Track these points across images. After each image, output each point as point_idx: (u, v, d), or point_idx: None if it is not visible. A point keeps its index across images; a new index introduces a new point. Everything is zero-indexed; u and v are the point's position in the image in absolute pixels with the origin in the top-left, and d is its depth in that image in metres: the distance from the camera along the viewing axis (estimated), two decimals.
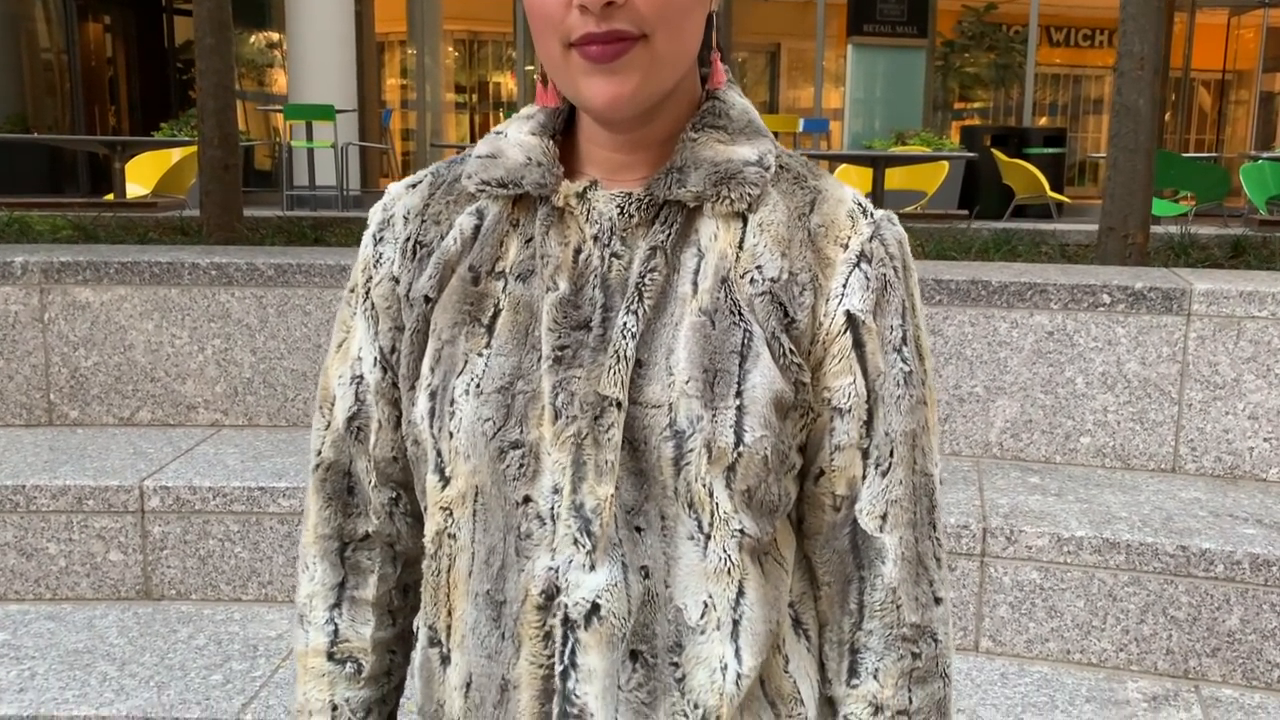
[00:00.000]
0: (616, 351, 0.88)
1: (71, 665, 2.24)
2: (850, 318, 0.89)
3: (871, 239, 0.92)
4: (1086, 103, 12.93)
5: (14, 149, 8.85)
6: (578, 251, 0.90)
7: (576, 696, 0.89)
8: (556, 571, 0.87)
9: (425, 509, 0.95)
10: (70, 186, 9.99)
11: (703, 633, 0.88)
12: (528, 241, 0.92)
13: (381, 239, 0.98)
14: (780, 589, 0.93)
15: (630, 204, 0.89)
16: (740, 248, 0.90)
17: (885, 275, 0.92)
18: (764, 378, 0.87)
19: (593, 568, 0.89)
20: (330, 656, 1.02)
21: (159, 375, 2.92)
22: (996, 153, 8.26)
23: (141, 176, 6.50)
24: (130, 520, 2.50)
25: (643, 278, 0.88)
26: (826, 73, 10.55)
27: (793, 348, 0.89)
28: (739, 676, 0.89)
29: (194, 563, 2.52)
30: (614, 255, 0.89)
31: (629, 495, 0.88)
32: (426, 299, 0.93)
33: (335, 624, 1.03)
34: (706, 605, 0.88)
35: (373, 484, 1.01)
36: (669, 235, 0.90)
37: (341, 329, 1.01)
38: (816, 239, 0.91)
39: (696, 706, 0.89)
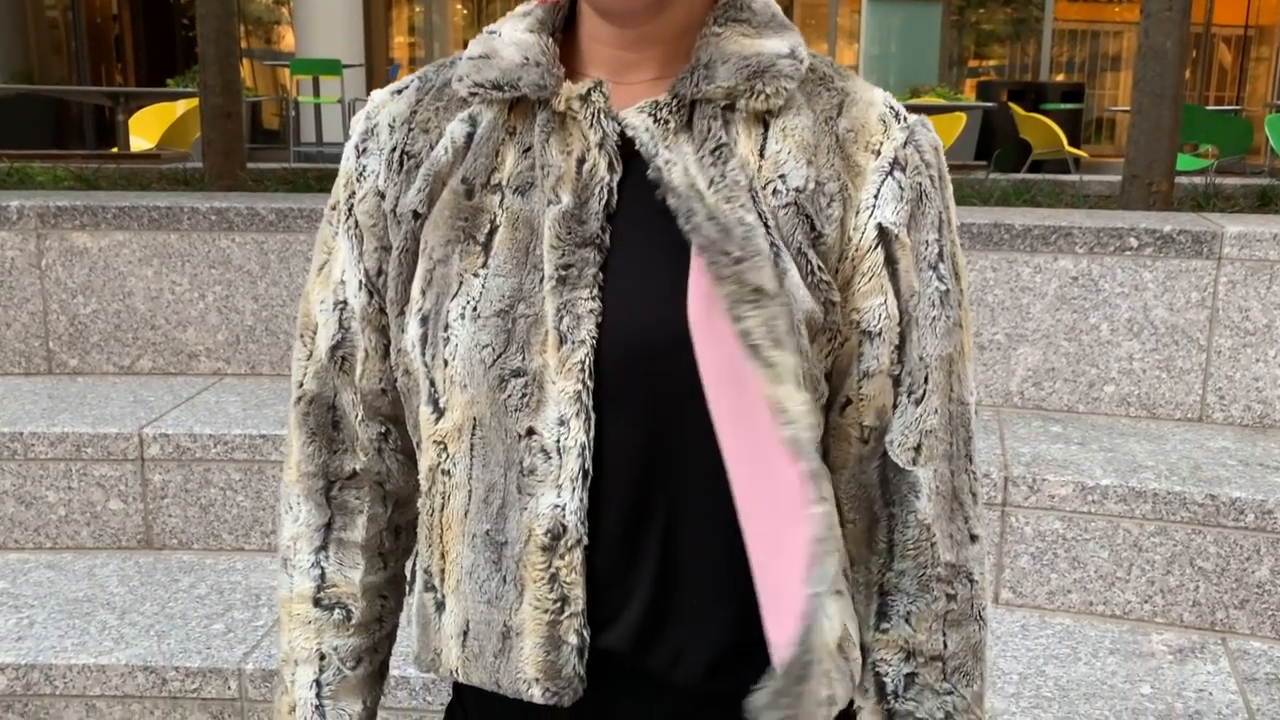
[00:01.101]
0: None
1: (71, 614, 2.20)
2: (882, 231, 0.81)
3: (906, 145, 0.83)
4: (1105, 59, 12.71)
5: (19, 106, 8.77)
6: (581, 161, 0.81)
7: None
8: (563, 510, 0.80)
9: (418, 444, 0.87)
10: (76, 143, 9.92)
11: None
12: (526, 151, 0.83)
13: (365, 150, 0.89)
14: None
15: (662, 110, 0.81)
16: (762, 155, 0.81)
17: (920, 185, 0.83)
18: (792, 293, 0.80)
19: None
20: (317, 602, 0.95)
21: (159, 323, 2.86)
22: (1014, 107, 8.11)
23: (146, 131, 6.41)
24: (130, 468, 2.45)
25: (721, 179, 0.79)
26: (841, 29, 10.37)
27: (820, 264, 0.81)
28: None
29: (195, 512, 2.47)
30: (668, 163, 0.79)
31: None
32: (415, 215, 0.85)
33: (322, 568, 0.95)
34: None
35: (360, 418, 0.93)
36: (718, 134, 0.81)
37: (323, 250, 0.92)
38: (845, 145, 0.82)
39: None
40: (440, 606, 0.88)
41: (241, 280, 2.84)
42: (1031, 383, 2.62)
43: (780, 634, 0.80)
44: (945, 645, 0.85)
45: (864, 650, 0.87)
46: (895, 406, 0.83)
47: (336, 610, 0.95)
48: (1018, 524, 2.23)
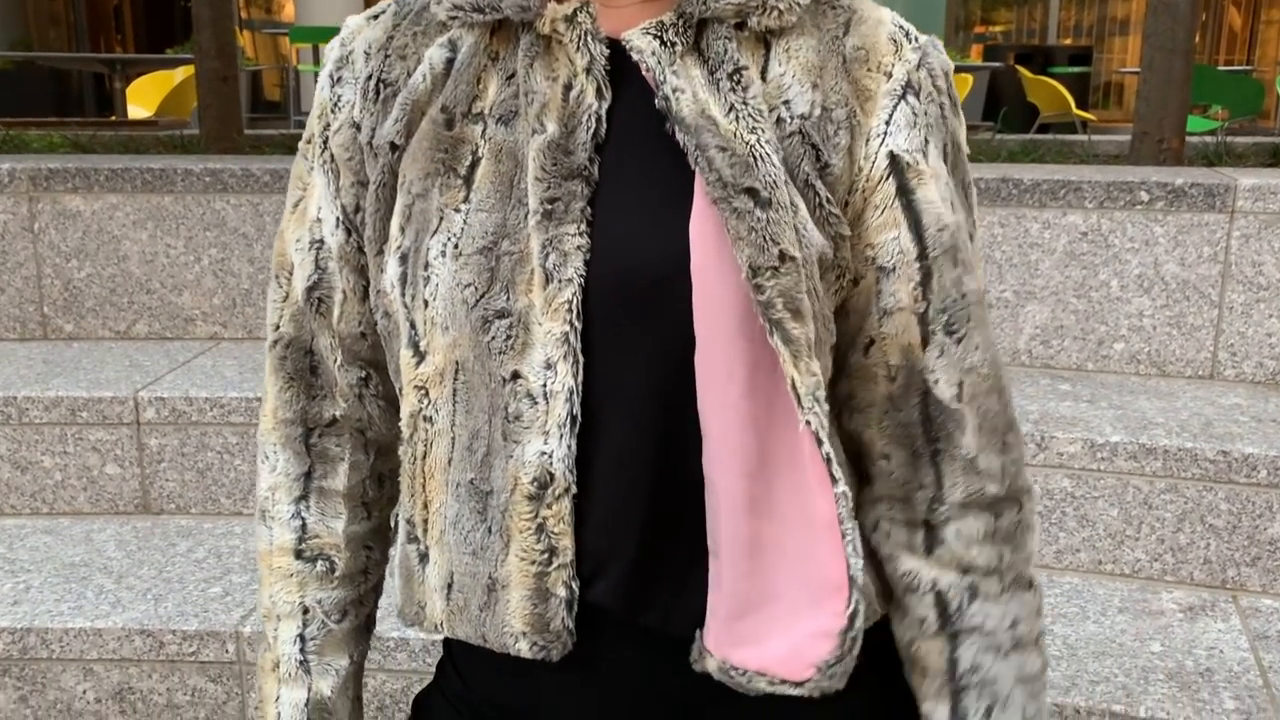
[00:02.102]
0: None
1: (68, 578, 2.17)
2: (894, 160, 0.76)
3: (919, 67, 0.78)
4: (1112, 23, 12.56)
5: (18, 76, 8.71)
6: (567, 88, 0.76)
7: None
8: (550, 457, 0.76)
9: (399, 389, 0.83)
10: (75, 114, 9.87)
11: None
12: (509, 78, 0.78)
13: (339, 79, 0.84)
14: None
15: (668, 31, 0.75)
16: (764, 79, 0.76)
17: (933, 111, 0.78)
18: (802, 229, 0.75)
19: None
20: (298, 554, 0.91)
21: (154, 287, 2.83)
22: (1021, 69, 8.02)
23: (144, 99, 6.36)
24: (126, 432, 2.42)
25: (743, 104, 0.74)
26: None
27: (829, 196, 0.75)
28: None
29: (192, 476, 2.44)
30: (676, 91, 0.74)
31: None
32: (393, 147, 0.80)
33: (302, 518, 0.91)
34: None
35: (338, 363, 0.89)
36: (734, 57, 0.75)
37: (297, 186, 0.87)
38: (853, 67, 0.77)
39: None
40: (424, 558, 0.85)
41: (237, 243, 2.80)
42: (1040, 340, 2.58)
43: (815, 615, 0.78)
44: (1002, 558, 0.82)
45: (910, 580, 0.83)
46: (927, 344, 0.79)
47: (319, 562, 0.92)
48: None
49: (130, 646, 2.00)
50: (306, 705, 0.91)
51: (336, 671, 0.92)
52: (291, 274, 0.88)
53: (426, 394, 0.81)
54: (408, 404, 0.83)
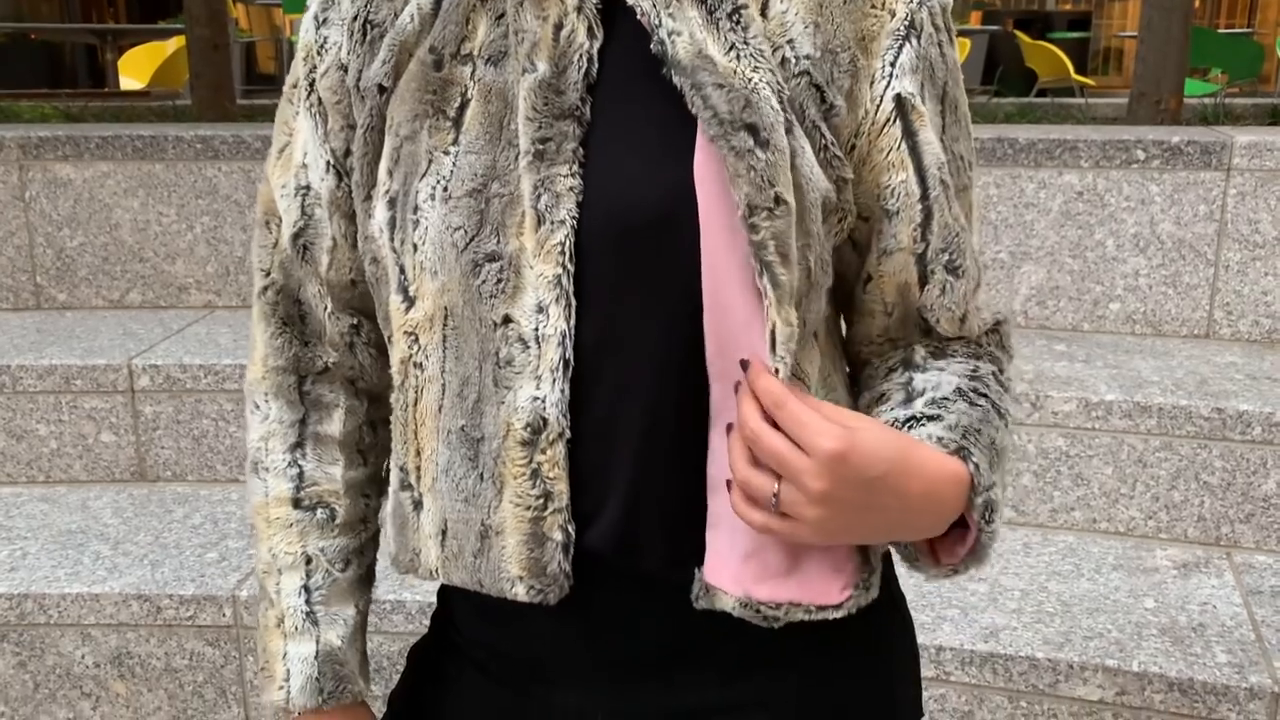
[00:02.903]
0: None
1: (64, 545, 2.18)
2: (900, 103, 0.75)
3: (920, 6, 0.77)
4: None
5: (9, 49, 8.64)
6: (558, 27, 0.75)
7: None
8: (543, 402, 0.76)
9: (389, 336, 0.82)
10: (68, 86, 9.80)
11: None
12: (499, 18, 0.77)
13: (325, 20, 0.82)
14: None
15: None
16: (764, 17, 0.75)
17: (934, 52, 0.77)
18: (807, 174, 0.73)
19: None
20: (297, 504, 0.90)
21: (147, 255, 2.82)
22: (1020, 34, 7.96)
23: (136, 70, 6.31)
24: (120, 400, 2.42)
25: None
26: None
27: (834, 139, 0.75)
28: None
29: (188, 443, 2.44)
30: (672, 34, 0.73)
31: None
32: (380, 89, 0.79)
33: (299, 466, 0.91)
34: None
35: (328, 311, 0.88)
36: None
37: (283, 131, 0.86)
38: (854, 5, 0.75)
39: None
40: (417, 505, 0.85)
41: (230, 210, 2.79)
42: (1035, 301, 2.57)
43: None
44: (977, 372, 0.81)
45: (912, 383, 0.83)
46: (926, 283, 0.80)
47: (319, 510, 0.91)
48: (1020, 442, 2.19)
49: (127, 611, 2.01)
50: (316, 658, 0.90)
51: (344, 621, 0.91)
52: (280, 220, 0.88)
53: (416, 340, 0.80)
54: (397, 350, 0.82)
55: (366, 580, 0.96)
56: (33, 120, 3.89)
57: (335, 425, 0.92)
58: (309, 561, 0.91)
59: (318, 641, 0.90)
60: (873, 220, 0.79)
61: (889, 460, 0.71)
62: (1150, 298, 2.52)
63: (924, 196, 0.77)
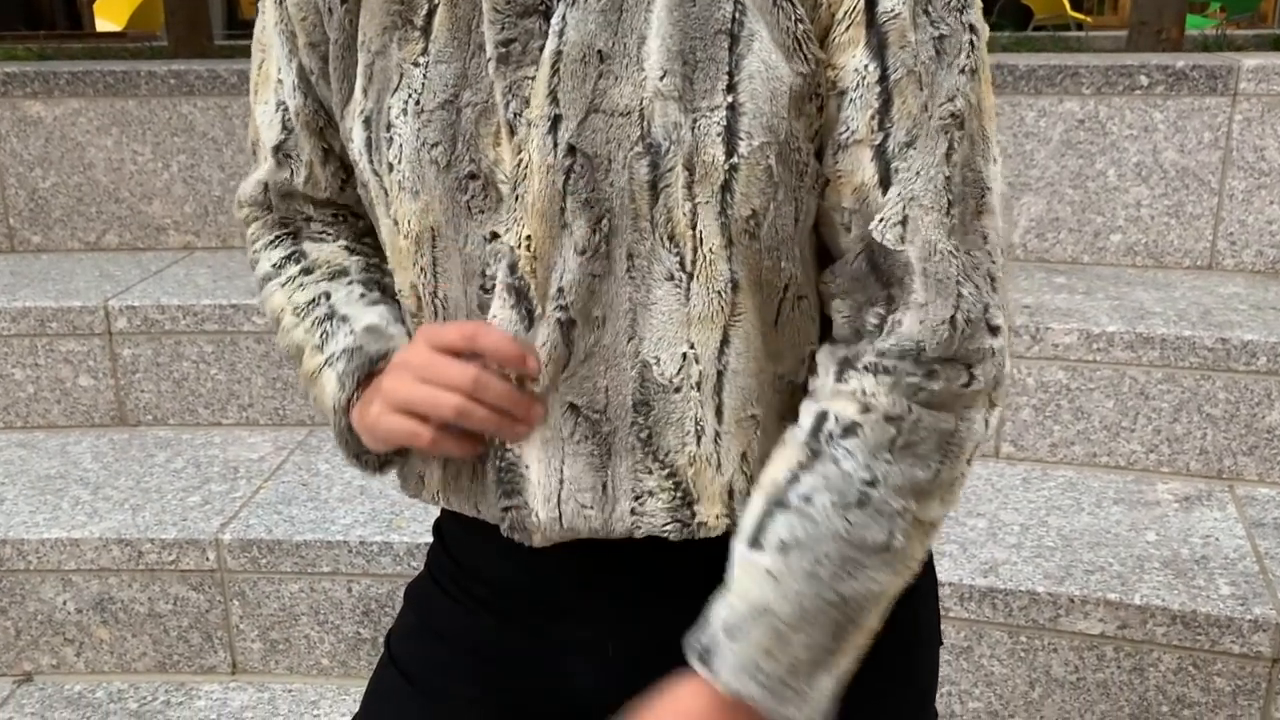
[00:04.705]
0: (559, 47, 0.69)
1: (43, 490, 2.13)
2: None
3: None
4: None
5: None
6: None
7: (506, 449, 0.75)
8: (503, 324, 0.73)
9: (391, 262, 0.80)
10: (44, 29, 9.62)
11: (677, 390, 0.72)
12: None
13: None
14: (807, 334, 0.75)
15: None
16: None
17: None
18: (762, 63, 0.67)
19: (530, 325, 0.72)
20: (308, 271, 0.87)
21: (123, 195, 2.74)
22: None
23: (112, 13, 6.16)
24: (98, 343, 2.36)
25: None
26: None
27: (800, 13, 0.68)
28: (717, 436, 0.73)
29: (169, 386, 2.38)
30: None
31: (582, 233, 0.69)
32: (343, 1, 0.75)
33: (300, 250, 0.88)
34: (686, 358, 0.71)
35: (314, 209, 0.88)
36: None
37: (259, 47, 0.84)
38: None
39: (664, 467, 0.73)
40: None
41: (206, 148, 2.71)
42: (1035, 234, 2.52)
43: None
44: (909, 412, 0.70)
45: (808, 408, 0.74)
46: (888, 185, 0.70)
47: (330, 265, 0.87)
48: (1019, 375, 2.15)
49: (108, 556, 1.96)
50: (354, 338, 0.81)
51: (378, 312, 0.83)
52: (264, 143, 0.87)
53: (413, 263, 0.77)
54: (405, 276, 0.78)
55: (398, 309, 0.86)
56: (2, 59, 3.79)
57: (343, 237, 0.90)
58: (328, 295, 0.85)
59: (354, 330, 0.82)
60: (830, 110, 0.70)
61: None
62: (1152, 228, 2.46)
63: (883, 78, 0.69)
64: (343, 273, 0.86)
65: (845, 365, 0.72)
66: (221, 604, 1.99)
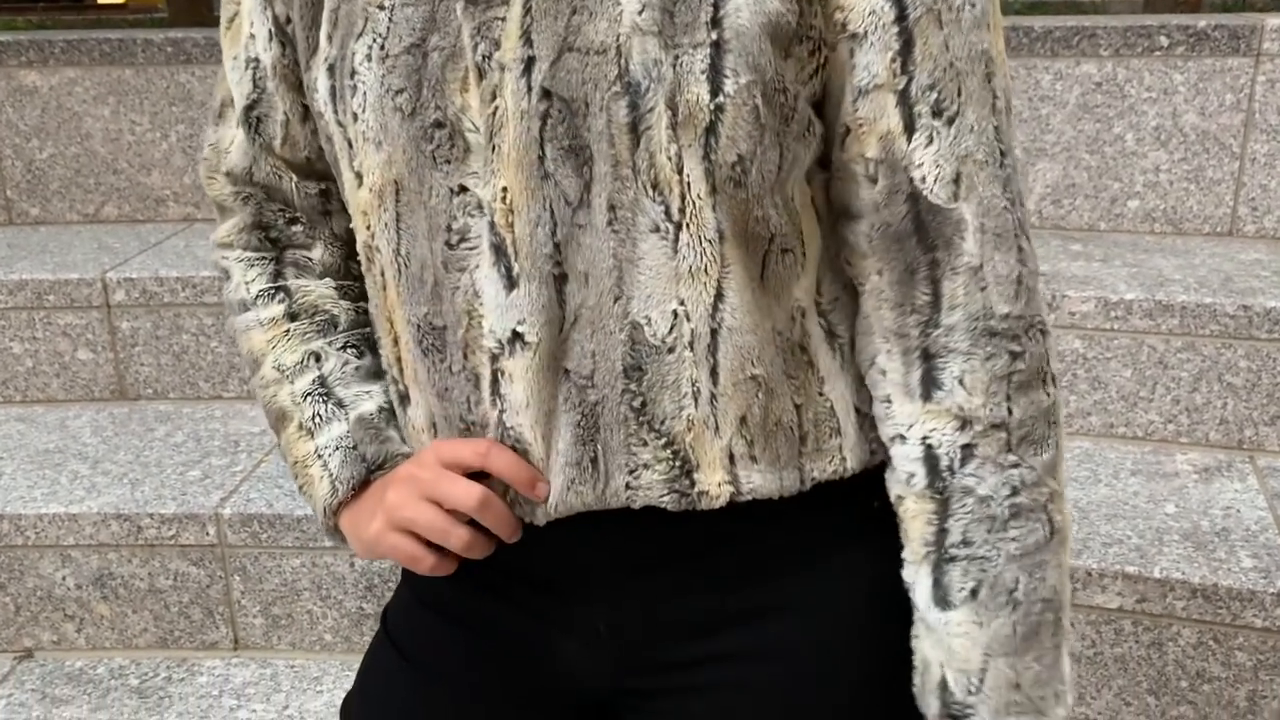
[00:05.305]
0: None
1: (41, 465, 2.10)
2: None
3: None
4: None
5: None
6: None
7: (511, 429, 0.71)
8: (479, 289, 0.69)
9: (352, 220, 0.75)
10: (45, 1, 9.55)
11: (670, 351, 0.67)
12: None
13: None
14: (790, 290, 0.70)
15: None
16: None
17: None
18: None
19: (511, 284, 0.67)
20: (293, 317, 0.82)
21: (121, 166, 2.70)
22: None
23: None
24: (96, 316, 2.32)
25: None
26: None
27: None
28: (713, 398, 0.68)
29: (168, 360, 2.35)
30: None
31: (568, 182, 0.65)
32: None
33: (285, 286, 0.83)
34: (677, 316, 0.66)
35: (293, 182, 0.82)
36: None
37: (229, 3, 0.79)
38: None
39: (660, 436, 0.68)
40: (404, 399, 0.78)
41: (205, 118, 2.66)
42: (1050, 200, 2.46)
43: None
44: (1010, 412, 0.69)
45: (905, 428, 0.72)
46: (912, 131, 0.66)
47: (318, 316, 0.83)
48: None
49: (107, 531, 1.94)
50: (350, 430, 0.79)
51: (372, 396, 0.81)
52: (234, 103, 0.82)
53: (369, 220, 0.73)
54: (359, 235, 0.75)
55: (383, 375, 0.84)
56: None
57: (316, 253, 0.85)
58: (318, 358, 0.81)
59: (347, 419, 0.79)
60: (840, 55, 0.66)
61: None
62: (1171, 194, 2.40)
63: (901, 17, 0.64)
64: (332, 324, 0.82)
65: (927, 371, 0.70)
66: (222, 579, 1.96)
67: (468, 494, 0.70)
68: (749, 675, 0.75)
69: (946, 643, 0.71)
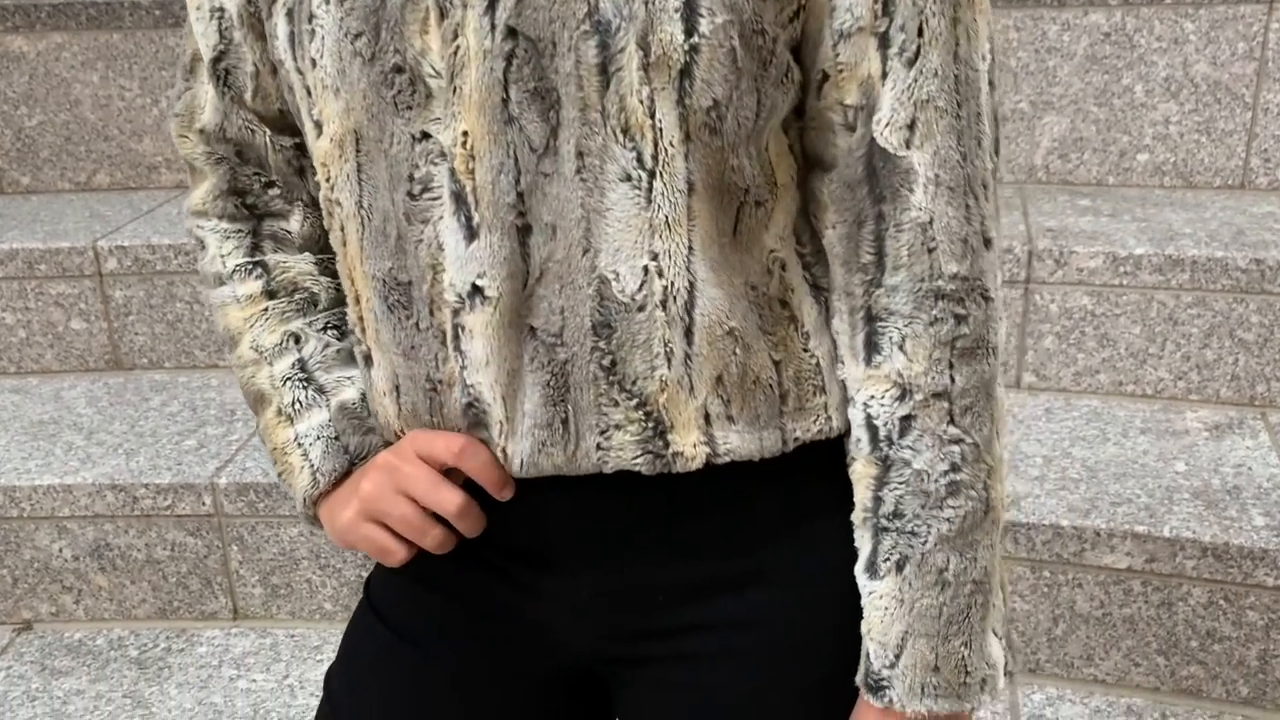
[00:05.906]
0: None
1: (35, 436, 2.08)
2: None
3: None
4: None
5: None
6: None
7: (471, 387, 0.68)
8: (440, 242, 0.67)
9: (314, 173, 0.74)
10: None
11: (641, 309, 0.64)
12: None
13: None
14: (761, 241, 0.67)
15: None
16: None
17: None
18: None
19: (472, 235, 0.64)
20: (271, 294, 0.79)
21: (112, 133, 2.66)
22: None
23: None
24: (88, 285, 2.29)
25: None
26: None
27: None
28: (688, 358, 0.65)
29: (163, 328, 2.32)
30: None
31: (533, 127, 0.62)
32: None
33: (263, 261, 0.80)
34: (648, 273, 0.63)
35: (267, 136, 0.79)
36: None
37: None
38: None
39: (631, 396, 0.65)
40: (368, 360, 0.75)
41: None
42: (1058, 155, 2.41)
43: None
44: (952, 380, 0.66)
45: (848, 391, 0.70)
46: (884, 76, 0.63)
47: (297, 294, 0.80)
48: (1042, 301, 2.06)
49: (103, 502, 1.92)
50: (331, 419, 0.77)
51: (353, 382, 0.78)
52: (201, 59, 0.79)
53: (329, 172, 0.70)
54: (321, 189, 0.72)
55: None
56: None
57: (294, 224, 0.82)
58: (298, 339, 0.79)
59: (329, 406, 0.77)
60: None
61: None
62: (1181, 146, 2.35)
63: None
64: (311, 303, 0.80)
65: (871, 335, 0.68)
66: (220, 549, 1.94)
67: (451, 501, 0.70)
68: (731, 644, 0.72)
69: (871, 609, 0.69)
